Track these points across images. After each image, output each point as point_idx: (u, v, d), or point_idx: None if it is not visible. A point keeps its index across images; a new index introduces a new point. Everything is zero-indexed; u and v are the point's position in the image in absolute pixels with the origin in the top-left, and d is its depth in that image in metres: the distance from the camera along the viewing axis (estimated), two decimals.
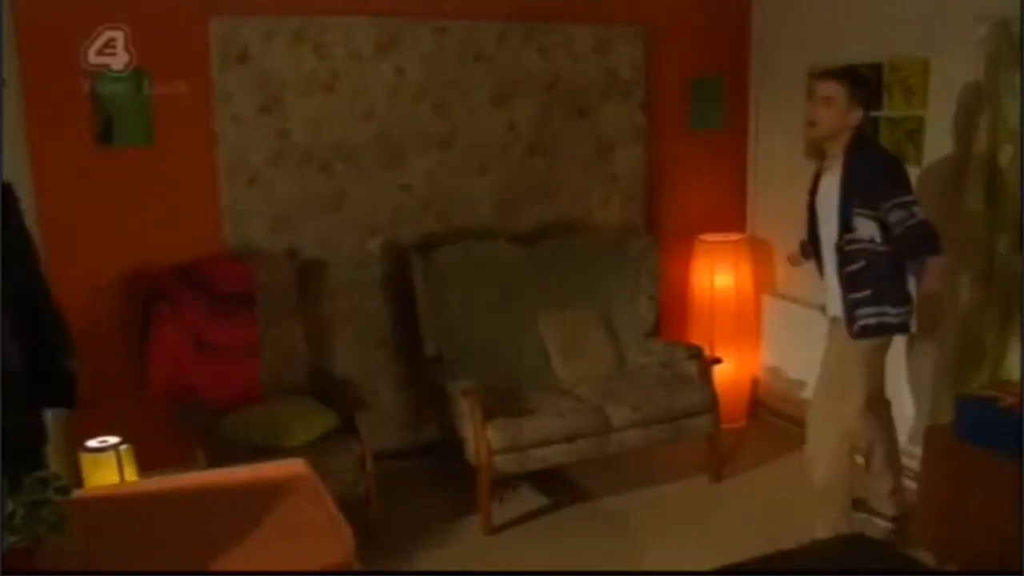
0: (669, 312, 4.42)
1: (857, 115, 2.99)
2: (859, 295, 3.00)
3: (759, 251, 4.52)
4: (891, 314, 3.00)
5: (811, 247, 3.28)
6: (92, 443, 2.74)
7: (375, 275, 3.99)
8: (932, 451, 3.00)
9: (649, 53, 4.37)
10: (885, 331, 3.03)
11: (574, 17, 4.21)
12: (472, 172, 4.12)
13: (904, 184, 2.94)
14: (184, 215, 3.65)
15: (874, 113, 3.83)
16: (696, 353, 3.93)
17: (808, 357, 4.18)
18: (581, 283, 4.07)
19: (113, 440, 2.74)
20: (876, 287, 2.98)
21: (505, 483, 3.59)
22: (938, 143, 3.59)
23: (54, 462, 2.99)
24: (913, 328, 3.10)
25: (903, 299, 3.02)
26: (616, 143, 4.38)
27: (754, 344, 4.50)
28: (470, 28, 4.01)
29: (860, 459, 3.28)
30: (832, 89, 2.99)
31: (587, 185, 4.37)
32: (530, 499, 3.69)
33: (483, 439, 3.34)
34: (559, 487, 3.80)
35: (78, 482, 2.63)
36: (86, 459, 2.71)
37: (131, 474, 2.74)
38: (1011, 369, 3.23)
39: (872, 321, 3.00)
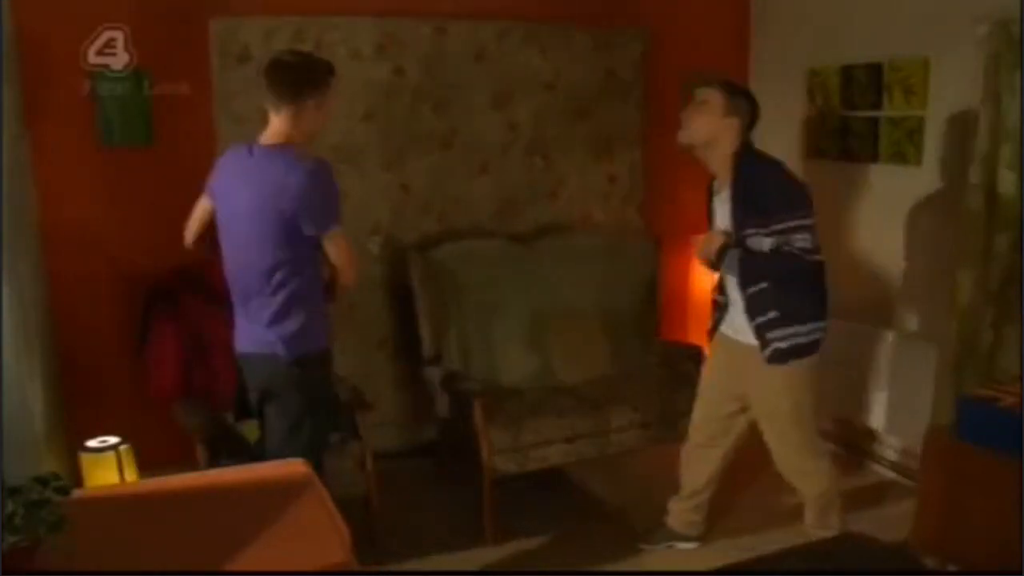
0: (669, 312, 4.42)
1: (732, 124, 2.83)
2: (764, 318, 2.85)
3: None
4: (802, 333, 2.85)
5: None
6: (92, 443, 2.75)
7: (375, 275, 3.99)
8: (932, 451, 3.00)
9: (648, 54, 4.37)
10: (799, 353, 2.86)
11: (574, 17, 4.21)
12: (472, 172, 4.12)
13: (800, 203, 2.78)
14: (184, 215, 3.63)
15: (874, 113, 3.85)
16: (696, 353, 3.92)
17: None
18: (581, 283, 4.07)
19: (113, 440, 2.75)
20: (784, 307, 2.83)
21: (505, 483, 3.58)
22: (938, 143, 3.59)
23: (54, 462, 3.00)
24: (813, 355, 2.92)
25: (813, 315, 2.86)
26: (615, 143, 4.38)
27: None
28: (470, 28, 4.01)
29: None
30: (707, 94, 2.87)
31: (587, 185, 4.36)
32: (530, 499, 3.69)
33: (483, 439, 3.33)
34: (559, 487, 3.80)
35: (78, 482, 2.64)
36: (86, 459, 2.72)
37: (131, 474, 2.74)
38: (1008, 369, 3.23)
39: (783, 345, 2.84)
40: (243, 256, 2.63)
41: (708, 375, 3.23)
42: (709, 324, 3.21)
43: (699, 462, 3.25)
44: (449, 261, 3.87)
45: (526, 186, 4.23)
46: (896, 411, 3.73)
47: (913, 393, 3.56)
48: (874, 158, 3.87)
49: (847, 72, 3.96)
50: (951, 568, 2.96)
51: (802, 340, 2.86)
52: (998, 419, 2.76)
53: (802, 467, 3.09)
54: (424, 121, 3.99)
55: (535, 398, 3.67)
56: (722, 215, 2.95)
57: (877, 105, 3.83)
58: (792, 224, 2.74)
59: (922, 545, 2.97)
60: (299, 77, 2.57)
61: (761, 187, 2.80)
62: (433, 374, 3.74)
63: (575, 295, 4.04)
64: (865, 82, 3.87)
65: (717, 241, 2.88)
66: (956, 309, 3.34)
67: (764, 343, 2.88)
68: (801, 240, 2.74)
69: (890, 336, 3.79)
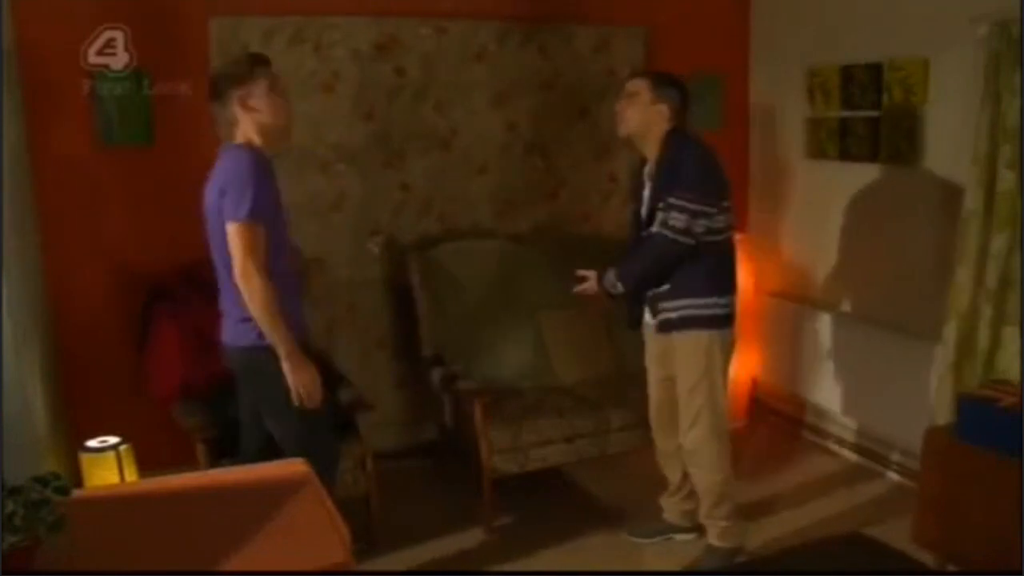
0: None
1: (661, 111, 2.93)
2: (659, 290, 2.99)
3: (759, 251, 4.52)
4: (697, 305, 2.95)
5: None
6: (92, 443, 2.74)
7: (375, 275, 3.99)
8: (932, 451, 3.00)
9: (649, 53, 4.37)
10: (689, 324, 2.96)
11: (574, 17, 4.21)
12: (472, 172, 4.12)
13: (693, 186, 2.85)
14: (184, 215, 3.63)
15: (873, 113, 3.85)
16: None
17: (809, 357, 4.20)
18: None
19: (113, 440, 2.75)
20: (675, 280, 2.94)
21: (505, 482, 3.58)
22: (938, 143, 3.59)
23: (54, 462, 3.00)
24: (733, 324, 3.04)
25: (713, 290, 2.96)
26: (616, 143, 4.35)
27: (754, 344, 4.49)
28: (470, 28, 4.01)
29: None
30: (635, 85, 2.99)
31: (587, 185, 4.37)
32: (530, 499, 3.69)
33: (483, 439, 3.33)
34: (559, 487, 3.80)
35: (78, 482, 2.64)
36: (86, 459, 2.71)
37: (131, 474, 2.74)
38: (1007, 369, 3.23)
39: (673, 315, 2.97)
40: (215, 252, 2.64)
41: (648, 371, 3.29)
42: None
43: (668, 459, 3.30)
44: (449, 261, 3.87)
45: (526, 186, 4.23)
46: (896, 411, 3.73)
47: (913, 393, 3.56)
48: (874, 158, 3.87)
49: (847, 72, 3.96)
50: (951, 568, 2.96)
51: (697, 312, 2.95)
52: (998, 419, 2.76)
53: (705, 451, 3.08)
54: (424, 121, 3.99)
55: (535, 398, 3.67)
56: (649, 192, 3.03)
57: (877, 105, 3.83)
58: (675, 202, 2.84)
59: (922, 545, 2.97)
60: (217, 82, 2.62)
61: (674, 164, 2.90)
62: (433, 374, 3.75)
63: (575, 295, 4.04)
64: (865, 82, 3.87)
65: (592, 284, 3.08)
66: (955, 309, 3.34)
67: (655, 312, 3.01)
68: (674, 219, 2.85)
69: (890, 336, 3.79)
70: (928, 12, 3.56)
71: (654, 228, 2.92)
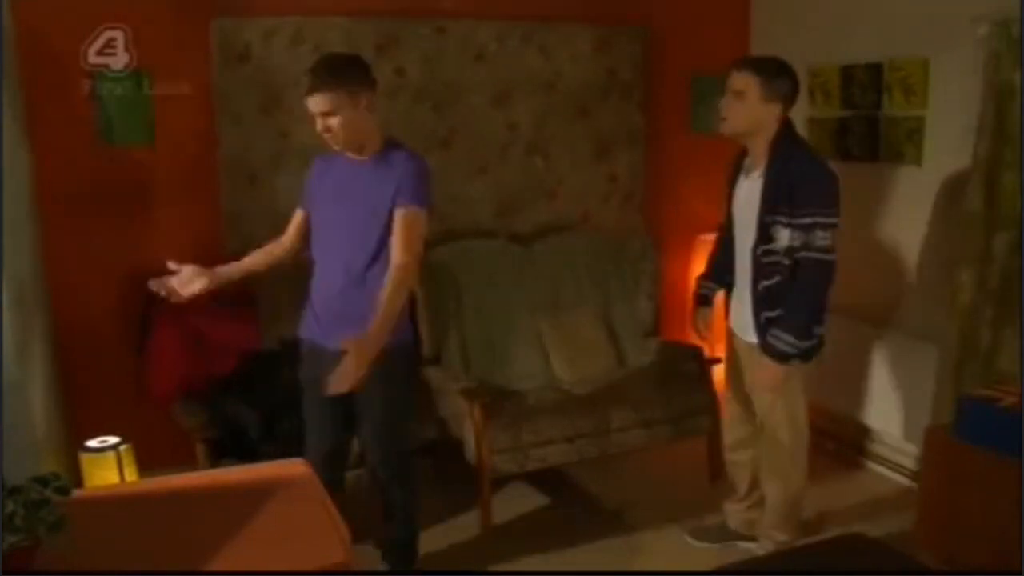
0: (669, 312, 4.42)
1: (774, 110, 2.72)
2: (772, 314, 2.79)
3: None
4: (804, 341, 2.78)
5: (724, 263, 3.08)
6: (92, 443, 2.74)
7: None
8: (932, 451, 3.01)
9: (649, 53, 4.37)
10: (799, 356, 2.80)
11: (574, 17, 4.21)
12: (472, 172, 4.12)
13: (830, 201, 2.71)
14: (184, 215, 3.65)
15: (873, 113, 3.85)
16: (696, 353, 3.93)
17: None
18: (581, 283, 4.07)
19: (113, 440, 2.75)
20: (787, 307, 2.77)
21: (505, 482, 3.59)
22: (938, 143, 3.59)
23: (54, 462, 3.01)
24: (815, 358, 2.87)
25: (815, 322, 2.81)
26: (616, 143, 4.38)
27: None
28: (470, 28, 4.01)
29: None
30: (744, 82, 2.71)
31: (587, 185, 4.37)
32: (530, 499, 3.69)
33: (483, 439, 3.33)
34: (559, 487, 3.80)
35: (78, 482, 2.64)
36: (86, 459, 2.71)
37: (131, 474, 2.74)
38: (1008, 368, 3.23)
39: (784, 347, 2.77)
40: None
41: (726, 377, 3.22)
42: (693, 316, 3.33)
43: (737, 467, 3.24)
44: (449, 261, 3.87)
45: (526, 186, 4.23)
46: (896, 411, 3.73)
47: (913, 393, 3.56)
48: (874, 158, 3.87)
49: (847, 72, 3.96)
50: (951, 568, 2.96)
51: (804, 344, 2.79)
52: (998, 419, 2.76)
53: (782, 468, 3.04)
54: (424, 121, 3.98)
55: (535, 398, 3.67)
56: (748, 192, 2.85)
57: (877, 105, 3.83)
58: (820, 220, 2.68)
59: (922, 545, 2.98)
60: (342, 71, 2.83)
61: (796, 176, 2.70)
62: (433, 374, 3.74)
63: (575, 295, 4.04)
64: (865, 82, 3.87)
65: (776, 373, 2.79)
66: (956, 309, 3.34)
67: (768, 337, 2.82)
68: (821, 239, 2.69)
69: (890, 336, 3.79)
70: (928, 12, 3.56)
71: (799, 255, 2.69)
